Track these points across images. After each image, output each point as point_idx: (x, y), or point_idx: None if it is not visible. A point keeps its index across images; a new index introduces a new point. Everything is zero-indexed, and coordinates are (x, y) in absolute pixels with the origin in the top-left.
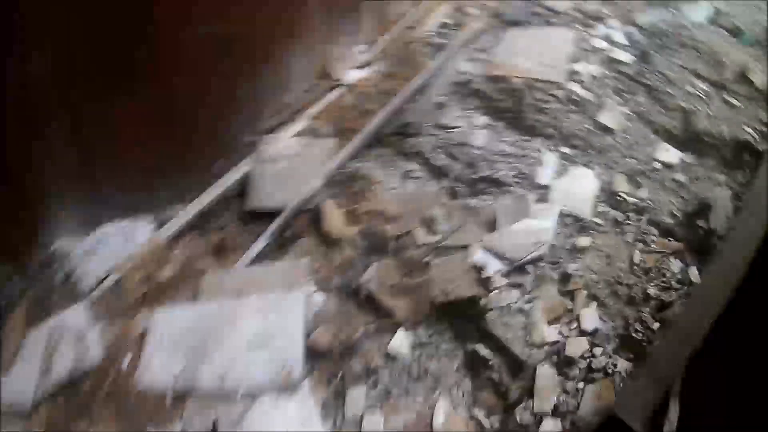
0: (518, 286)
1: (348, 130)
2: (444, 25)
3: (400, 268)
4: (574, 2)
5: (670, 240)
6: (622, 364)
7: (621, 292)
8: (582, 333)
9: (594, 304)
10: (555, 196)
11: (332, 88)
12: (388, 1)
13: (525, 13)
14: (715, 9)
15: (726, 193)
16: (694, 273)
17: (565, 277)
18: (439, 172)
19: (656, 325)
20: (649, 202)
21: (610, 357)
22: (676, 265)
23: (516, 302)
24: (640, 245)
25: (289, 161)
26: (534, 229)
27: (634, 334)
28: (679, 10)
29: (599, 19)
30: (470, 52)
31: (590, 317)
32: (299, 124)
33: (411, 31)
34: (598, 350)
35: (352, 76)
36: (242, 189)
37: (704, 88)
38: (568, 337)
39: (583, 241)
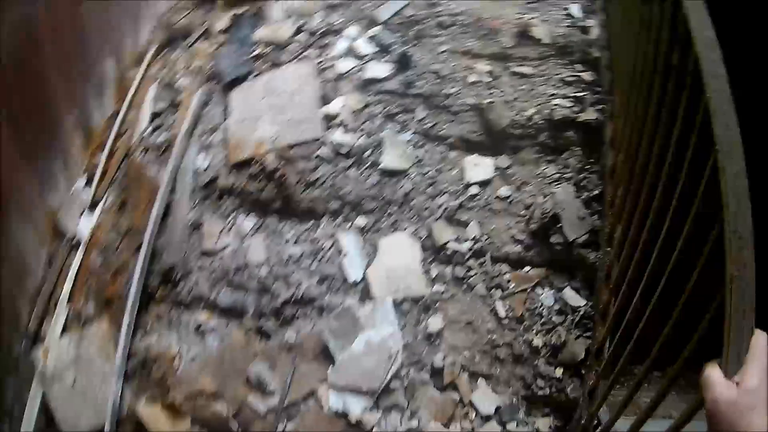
0: (393, 407)
1: (111, 299)
2: (159, 115)
3: None
4: (293, 23)
5: (527, 271)
6: (544, 423)
7: (503, 354)
8: (485, 418)
9: (481, 382)
10: (378, 288)
11: (71, 249)
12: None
13: (241, 61)
14: None
15: (567, 189)
16: (570, 295)
17: (437, 372)
18: (233, 314)
19: (559, 372)
20: (484, 238)
21: (526, 424)
22: (546, 296)
23: (401, 425)
24: (498, 292)
25: (74, 370)
26: (377, 342)
27: (540, 391)
28: None
29: (334, 33)
30: (201, 138)
31: (484, 399)
32: (61, 316)
33: (126, 139)
34: (511, 425)
35: (85, 225)
36: (49, 418)
37: (486, 68)
38: (473, 430)
39: (435, 321)
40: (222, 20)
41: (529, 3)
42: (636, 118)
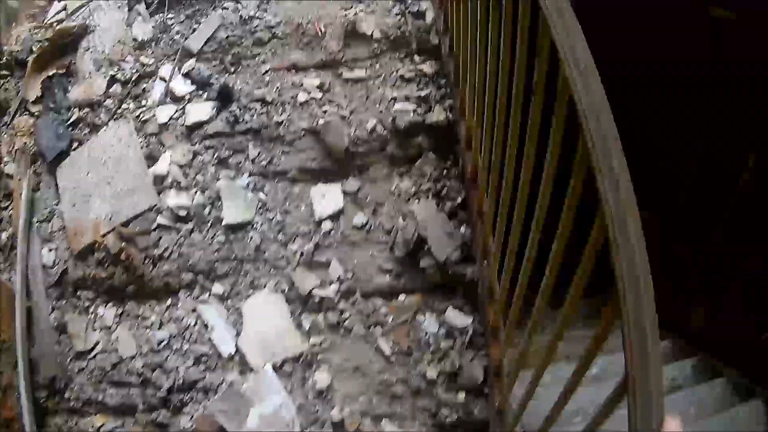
0: None
1: (11, 420)
2: None
3: None
4: (105, 75)
5: (402, 300)
6: None
7: (400, 391)
8: None
9: (386, 423)
10: (254, 356)
11: None
12: None
13: (60, 133)
14: None
15: (427, 204)
16: (454, 316)
17: (338, 425)
18: (125, 411)
19: (461, 396)
20: (350, 276)
21: None
22: (429, 322)
23: None
24: (378, 329)
25: None
26: (269, 415)
27: (447, 419)
28: None
29: (148, 77)
30: (40, 229)
31: None
32: None
33: None
34: None
35: None
36: None
37: (315, 81)
38: None
39: (321, 376)
40: (34, 87)
41: None
42: (495, 126)
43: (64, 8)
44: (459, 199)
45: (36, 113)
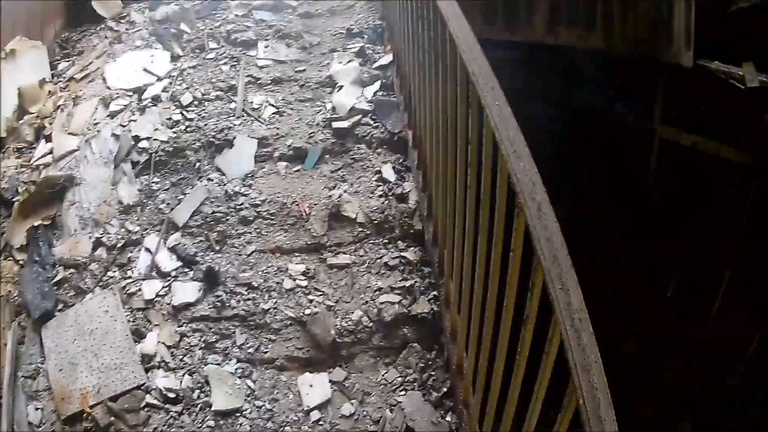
0: None
1: None
2: None
3: None
4: (90, 236)
5: None
6: None
7: None
8: None
9: None
10: None
11: None
12: None
13: (45, 291)
14: (259, 140)
15: (413, 396)
16: None
17: None
18: None
19: None
20: None
21: None
22: None
23: None
24: None
25: None
26: None
27: None
28: (219, 169)
29: (133, 245)
30: (26, 385)
31: None
32: None
33: None
34: None
35: None
36: None
37: (301, 267)
38: None
39: None
40: (19, 234)
41: (335, 171)
42: (482, 323)
43: (51, 151)
44: (444, 389)
45: (20, 261)
